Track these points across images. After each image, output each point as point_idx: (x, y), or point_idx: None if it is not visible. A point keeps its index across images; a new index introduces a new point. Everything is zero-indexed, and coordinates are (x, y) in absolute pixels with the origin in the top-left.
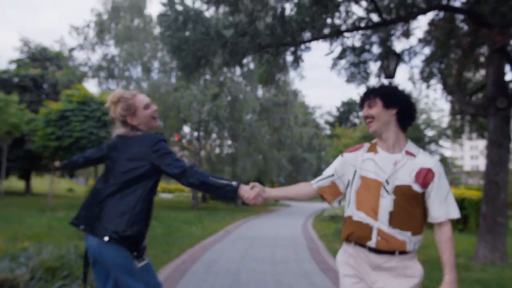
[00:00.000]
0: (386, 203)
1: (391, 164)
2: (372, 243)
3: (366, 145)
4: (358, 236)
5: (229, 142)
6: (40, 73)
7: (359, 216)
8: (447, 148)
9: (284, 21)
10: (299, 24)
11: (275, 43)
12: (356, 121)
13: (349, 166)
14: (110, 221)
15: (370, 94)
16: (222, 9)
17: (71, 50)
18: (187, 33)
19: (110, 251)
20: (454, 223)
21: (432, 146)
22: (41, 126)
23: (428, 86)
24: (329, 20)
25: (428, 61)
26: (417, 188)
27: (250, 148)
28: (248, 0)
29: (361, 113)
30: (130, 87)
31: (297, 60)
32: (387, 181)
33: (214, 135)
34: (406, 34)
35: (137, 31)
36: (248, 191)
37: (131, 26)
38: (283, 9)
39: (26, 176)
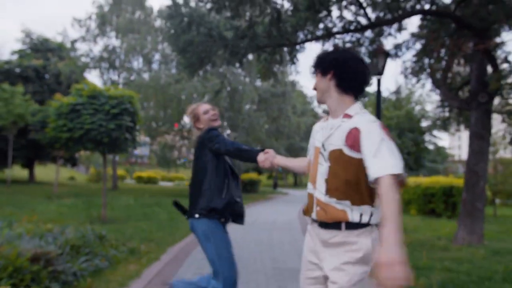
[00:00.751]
0: (322, 170)
1: (329, 129)
2: (313, 214)
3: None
4: (307, 208)
5: (228, 131)
6: (43, 63)
7: (309, 187)
8: (442, 139)
9: (280, 25)
10: (293, 27)
11: (271, 44)
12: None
13: (312, 138)
14: (196, 203)
15: (313, 67)
16: (224, 13)
17: (74, 42)
18: (191, 35)
19: (198, 224)
20: (443, 210)
21: (427, 136)
22: (53, 119)
23: (418, 80)
24: (321, 24)
25: (418, 56)
26: (348, 151)
27: (248, 138)
28: (248, 6)
29: None
30: (131, 78)
31: (292, 59)
32: (323, 147)
33: None
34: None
35: (138, 23)
36: (261, 155)
37: (133, 19)
38: (280, 14)
39: (30, 165)
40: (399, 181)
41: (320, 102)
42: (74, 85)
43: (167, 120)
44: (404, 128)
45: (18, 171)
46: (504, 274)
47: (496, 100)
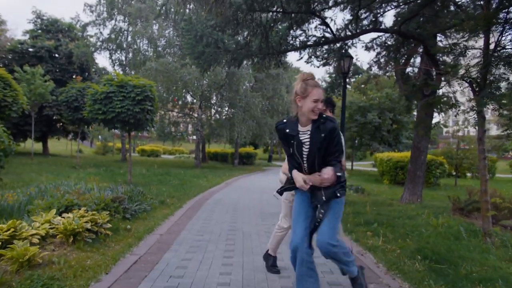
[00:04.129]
0: None
1: None
2: None
3: None
4: None
5: (227, 109)
6: (54, 44)
7: None
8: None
9: (268, 40)
10: (277, 42)
11: (262, 53)
12: (348, 87)
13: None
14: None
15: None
16: (226, 31)
17: (85, 25)
18: (202, 45)
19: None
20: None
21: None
22: (89, 103)
23: (385, 73)
24: (298, 40)
25: (386, 52)
26: None
27: (245, 116)
28: (244, 28)
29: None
30: (137, 59)
31: (277, 63)
32: None
33: (213, 103)
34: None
35: (145, 11)
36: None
37: (141, 7)
38: (267, 33)
39: (43, 139)
40: None
41: None
42: (103, 76)
43: (170, 95)
44: (384, 108)
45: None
46: (416, 215)
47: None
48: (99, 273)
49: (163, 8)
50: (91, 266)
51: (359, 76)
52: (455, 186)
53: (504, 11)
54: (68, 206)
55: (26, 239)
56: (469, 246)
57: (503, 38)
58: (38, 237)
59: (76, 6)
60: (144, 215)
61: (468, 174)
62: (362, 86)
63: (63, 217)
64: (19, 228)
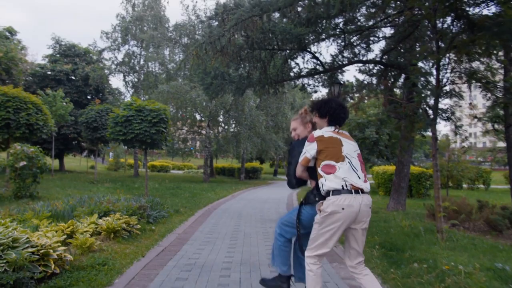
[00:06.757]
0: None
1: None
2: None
3: None
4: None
5: (233, 126)
6: (71, 68)
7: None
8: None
9: (266, 72)
10: (275, 74)
11: (262, 83)
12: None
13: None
14: None
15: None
16: (232, 66)
17: (102, 51)
18: (211, 77)
19: None
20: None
21: None
22: (111, 125)
23: (376, 94)
24: (292, 72)
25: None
26: None
27: (250, 132)
28: (246, 62)
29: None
30: (150, 81)
31: (275, 91)
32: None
33: (221, 121)
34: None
35: (157, 38)
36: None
37: (154, 35)
38: (266, 66)
39: (60, 156)
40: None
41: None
42: (125, 101)
43: (181, 115)
44: (382, 123)
45: (49, 161)
46: (397, 221)
47: None
48: (137, 256)
49: (183, 63)
50: (131, 253)
51: (354, 96)
52: (447, 196)
53: (448, 54)
54: (106, 212)
55: (82, 234)
56: (422, 241)
57: (451, 75)
58: (89, 233)
59: (92, 33)
60: (164, 220)
61: (465, 186)
62: (354, 105)
63: (103, 220)
64: (75, 226)
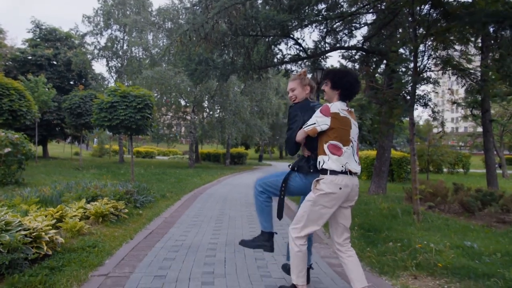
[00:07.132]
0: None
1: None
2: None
3: None
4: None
5: (218, 112)
6: (53, 52)
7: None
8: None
9: (250, 58)
10: (258, 60)
11: (245, 69)
12: None
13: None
14: None
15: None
16: (216, 52)
17: (84, 35)
18: (195, 63)
19: None
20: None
21: None
22: (96, 112)
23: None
24: (275, 58)
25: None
26: None
27: (235, 118)
28: (230, 48)
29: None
30: (133, 66)
31: (259, 77)
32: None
33: (205, 106)
34: None
35: (141, 23)
36: None
37: (137, 19)
38: (249, 53)
39: (44, 142)
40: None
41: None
42: (109, 86)
43: (165, 101)
44: (365, 109)
45: (33, 148)
46: (376, 204)
47: None
48: (126, 239)
49: (167, 49)
50: (119, 236)
51: None
52: (427, 180)
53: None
54: (93, 197)
55: (71, 218)
56: (399, 222)
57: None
58: (78, 218)
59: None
60: (150, 205)
61: (445, 170)
62: None
63: (91, 205)
64: (64, 211)
